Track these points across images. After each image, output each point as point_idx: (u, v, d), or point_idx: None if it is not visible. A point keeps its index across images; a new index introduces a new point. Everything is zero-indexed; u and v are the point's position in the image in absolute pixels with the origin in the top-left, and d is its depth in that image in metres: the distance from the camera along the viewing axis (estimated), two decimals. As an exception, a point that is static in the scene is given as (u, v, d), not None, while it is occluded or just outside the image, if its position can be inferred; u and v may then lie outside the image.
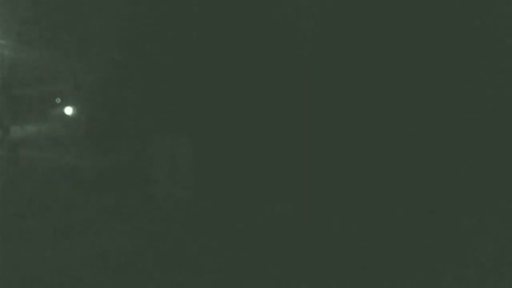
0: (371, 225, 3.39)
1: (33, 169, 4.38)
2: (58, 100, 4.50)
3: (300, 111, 3.96)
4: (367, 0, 3.85)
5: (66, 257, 3.02)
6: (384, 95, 3.79)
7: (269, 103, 4.05)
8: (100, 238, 3.36)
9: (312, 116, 3.94)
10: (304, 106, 3.96)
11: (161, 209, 3.99)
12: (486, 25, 3.59)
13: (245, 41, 4.14)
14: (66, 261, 2.95)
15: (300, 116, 3.96)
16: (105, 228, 3.54)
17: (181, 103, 4.33)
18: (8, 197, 4.27)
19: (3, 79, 4.33)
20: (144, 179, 4.30)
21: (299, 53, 4.00)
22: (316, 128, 3.92)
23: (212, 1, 4.23)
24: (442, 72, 3.69)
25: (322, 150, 3.87)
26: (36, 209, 4.01)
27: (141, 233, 3.45)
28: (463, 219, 3.35)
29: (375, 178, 3.71)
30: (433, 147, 3.67)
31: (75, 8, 4.40)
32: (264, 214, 3.70)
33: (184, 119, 4.31)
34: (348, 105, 3.87)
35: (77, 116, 4.51)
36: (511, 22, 3.56)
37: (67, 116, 4.51)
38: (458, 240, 3.14)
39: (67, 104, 4.51)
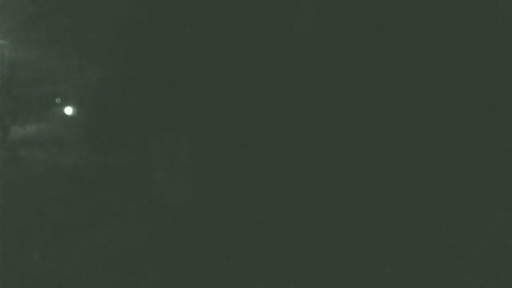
0: (371, 225, 3.39)
1: (33, 169, 4.38)
2: (58, 100, 4.49)
3: (300, 111, 3.96)
4: (366, 1, 3.85)
5: (66, 257, 3.01)
6: (383, 96, 3.79)
7: (269, 103, 4.06)
8: (100, 238, 3.36)
9: (312, 116, 3.94)
10: (304, 106, 3.96)
11: (161, 209, 3.99)
12: (486, 25, 3.59)
13: (245, 41, 4.14)
14: (66, 261, 2.94)
15: (300, 116, 3.96)
16: (105, 228, 3.54)
17: (181, 103, 4.33)
18: (8, 197, 4.27)
19: (3, 79, 4.33)
20: (144, 179, 4.30)
21: (299, 53, 4.00)
22: (317, 128, 3.92)
23: (212, 1, 4.24)
24: (442, 74, 3.69)
25: (322, 151, 3.87)
26: (36, 209, 4.01)
27: (141, 233, 3.45)
28: (463, 220, 3.35)
29: (375, 178, 3.70)
30: (433, 147, 3.67)
31: (75, 8, 4.40)
32: (265, 214, 3.70)
33: (184, 119, 4.31)
34: (348, 106, 3.87)
35: (77, 116, 4.50)
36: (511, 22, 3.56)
37: (67, 116, 4.51)
38: (458, 240, 3.13)
39: (67, 104, 4.50)
